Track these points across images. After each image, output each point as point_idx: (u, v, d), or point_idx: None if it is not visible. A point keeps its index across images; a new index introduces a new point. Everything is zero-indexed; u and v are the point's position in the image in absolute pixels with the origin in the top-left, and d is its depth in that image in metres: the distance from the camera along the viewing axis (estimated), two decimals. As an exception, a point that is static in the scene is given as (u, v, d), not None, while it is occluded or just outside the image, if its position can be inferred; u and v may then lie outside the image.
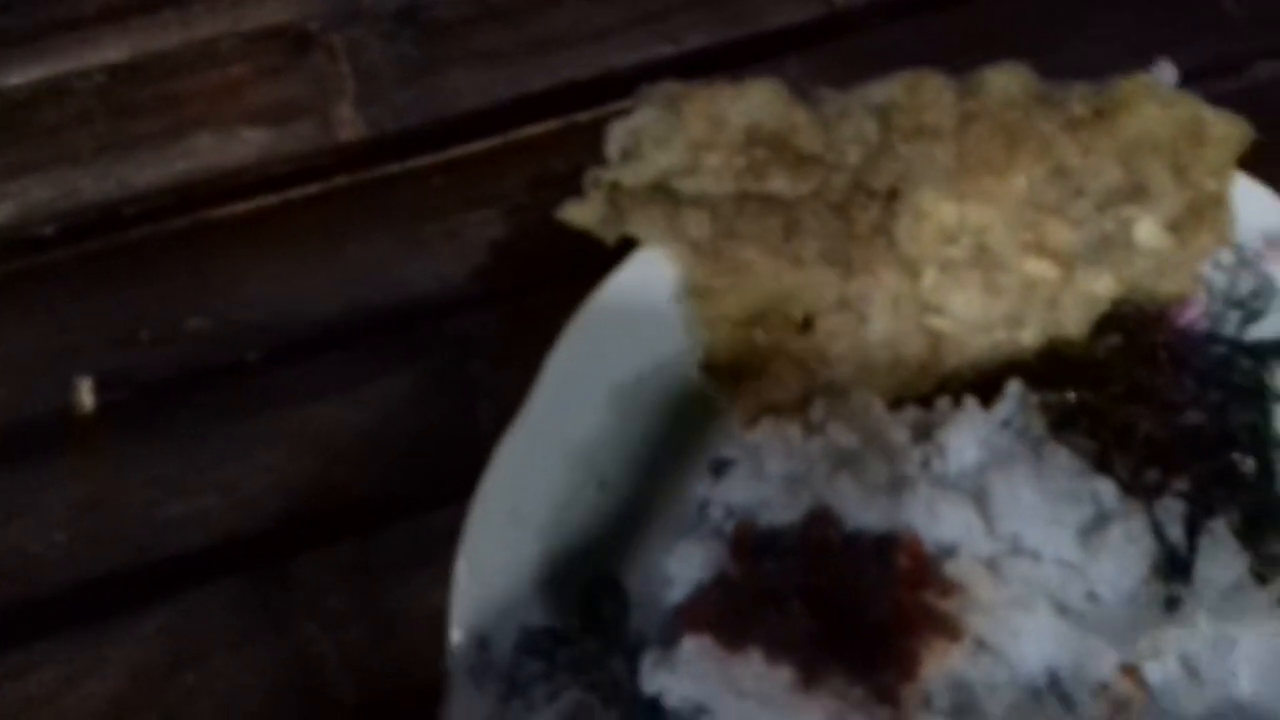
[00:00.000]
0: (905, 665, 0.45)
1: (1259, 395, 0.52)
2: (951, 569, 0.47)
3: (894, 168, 0.48)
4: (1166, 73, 0.53)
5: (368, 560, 0.52)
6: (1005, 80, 0.49)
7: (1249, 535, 0.51)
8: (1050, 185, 0.49)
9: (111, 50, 0.59)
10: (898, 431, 0.50)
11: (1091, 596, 0.48)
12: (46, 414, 0.53)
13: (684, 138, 0.48)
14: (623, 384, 0.49)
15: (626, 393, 0.49)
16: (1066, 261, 0.50)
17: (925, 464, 0.49)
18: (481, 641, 0.45)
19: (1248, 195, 0.52)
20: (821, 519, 0.46)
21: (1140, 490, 0.49)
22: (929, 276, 0.50)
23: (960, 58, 0.51)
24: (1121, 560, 0.47)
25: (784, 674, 0.45)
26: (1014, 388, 0.50)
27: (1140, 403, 0.50)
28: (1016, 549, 0.47)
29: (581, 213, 0.50)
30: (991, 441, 0.49)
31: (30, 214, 0.56)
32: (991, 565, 0.47)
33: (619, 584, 0.48)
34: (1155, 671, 0.50)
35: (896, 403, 0.52)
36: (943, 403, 0.51)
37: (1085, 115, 0.49)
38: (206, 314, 0.55)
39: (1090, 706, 0.49)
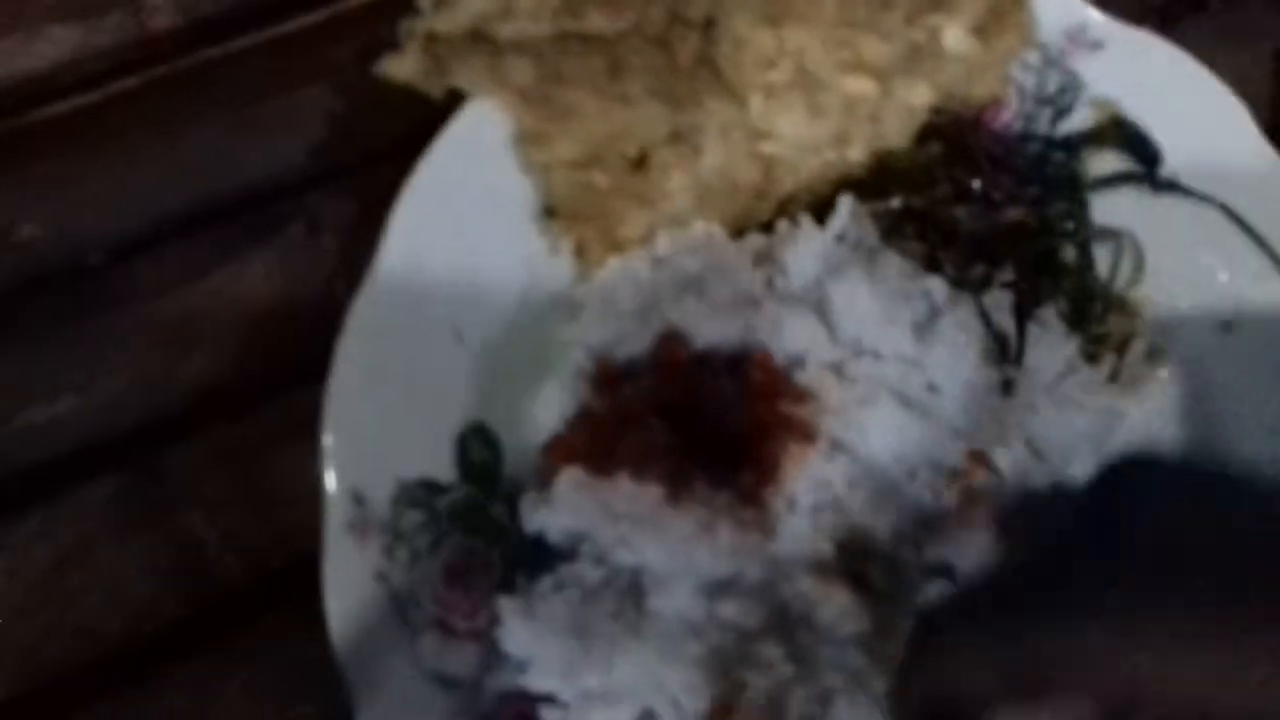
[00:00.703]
0: (766, 470, 0.47)
1: (1073, 186, 0.55)
2: (801, 377, 0.49)
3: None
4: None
5: (239, 444, 0.52)
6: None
7: (1076, 319, 0.55)
8: (859, 2, 0.50)
9: (-99, -42, 0.55)
10: (740, 255, 0.51)
11: (931, 387, 0.50)
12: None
13: None
14: (467, 234, 0.49)
15: (471, 243, 0.49)
16: (883, 75, 0.51)
17: (768, 283, 0.51)
18: (357, 496, 0.45)
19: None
20: (671, 340, 0.48)
21: (968, 284, 0.51)
22: (755, 103, 0.50)
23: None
24: (954, 349, 0.49)
25: (653, 491, 0.46)
26: (845, 202, 0.52)
27: (963, 203, 0.52)
28: (858, 351, 0.49)
29: (401, 66, 0.49)
30: (828, 255, 0.51)
31: None
32: (837, 369, 0.49)
33: (489, 432, 0.49)
34: (1003, 456, 0.53)
35: (738, 232, 0.53)
36: (782, 226, 0.53)
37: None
38: (39, 220, 0.54)
39: (945, 494, 0.52)
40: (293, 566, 0.50)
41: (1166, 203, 0.55)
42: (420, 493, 0.47)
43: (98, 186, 0.54)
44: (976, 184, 0.52)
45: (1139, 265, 0.55)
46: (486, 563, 0.48)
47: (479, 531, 0.48)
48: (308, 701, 0.50)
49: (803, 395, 0.49)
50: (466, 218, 0.49)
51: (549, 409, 0.50)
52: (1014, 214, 0.53)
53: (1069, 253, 0.55)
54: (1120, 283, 0.56)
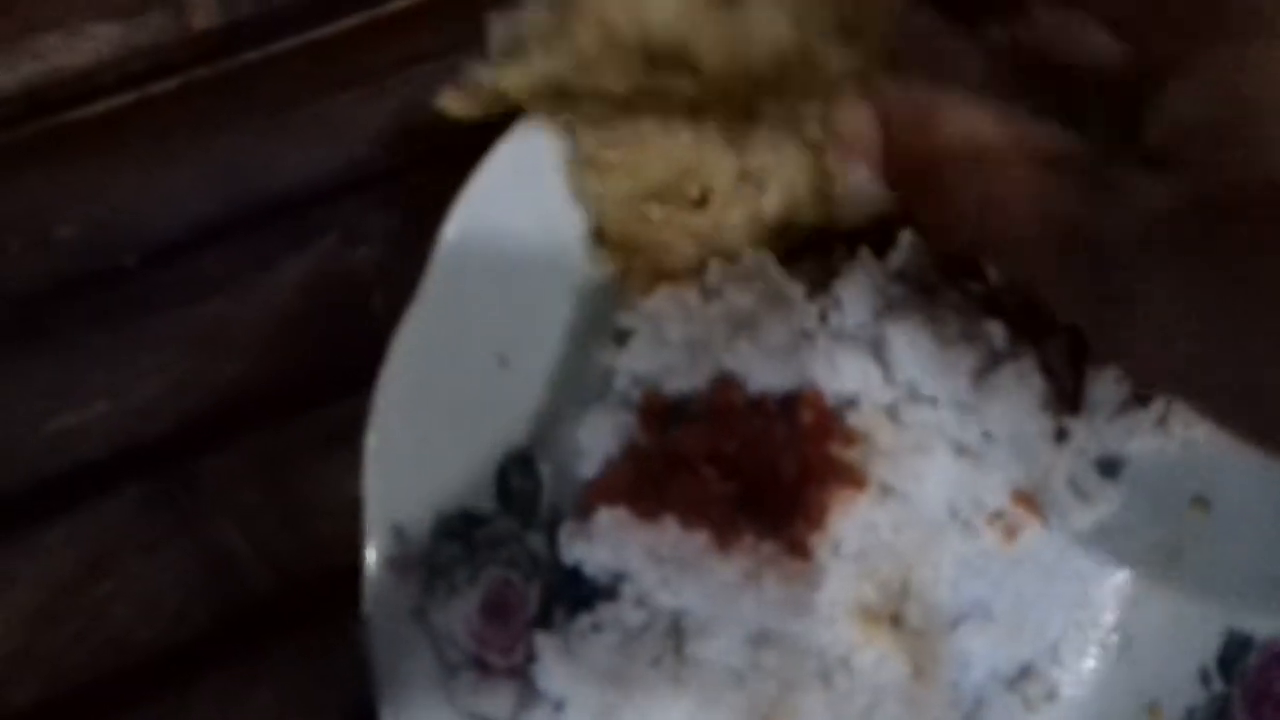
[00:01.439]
0: (814, 517, 0.45)
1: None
2: (853, 419, 0.47)
3: (813, 76, 0.45)
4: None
5: (273, 453, 0.50)
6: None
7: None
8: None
9: (-57, -44, 0.53)
10: (794, 288, 0.49)
11: (987, 435, 0.48)
12: (-82, 336, 0.50)
13: (572, 45, 0.45)
14: (515, 257, 0.47)
15: (520, 266, 0.47)
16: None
17: (823, 318, 0.49)
18: (398, 532, 0.44)
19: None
20: (726, 385, 0.46)
21: (1029, 328, 0.48)
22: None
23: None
24: (1013, 399, 0.47)
25: (699, 537, 0.45)
26: (906, 237, 0.49)
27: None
28: (914, 395, 0.47)
29: (461, 106, 0.46)
30: (886, 291, 0.48)
31: (-124, 134, 0.52)
32: (891, 413, 0.47)
33: (530, 460, 0.47)
34: (1048, 496, 0.52)
35: (790, 255, 0.51)
36: (838, 253, 0.50)
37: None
38: (75, 221, 0.51)
39: (987, 533, 0.50)
40: (323, 579, 0.49)
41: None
42: (460, 524, 0.45)
43: (134, 188, 0.52)
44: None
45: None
46: (524, 596, 0.46)
47: (516, 563, 0.46)
48: (336, 714, 0.48)
49: (854, 437, 0.47)
50: (515, 239, 0.46)
51: (592, 436, 0.48)
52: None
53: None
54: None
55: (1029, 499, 0.51)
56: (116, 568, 0.49)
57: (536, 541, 0.47)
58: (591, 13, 0.44)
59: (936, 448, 0.47)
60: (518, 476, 0.47)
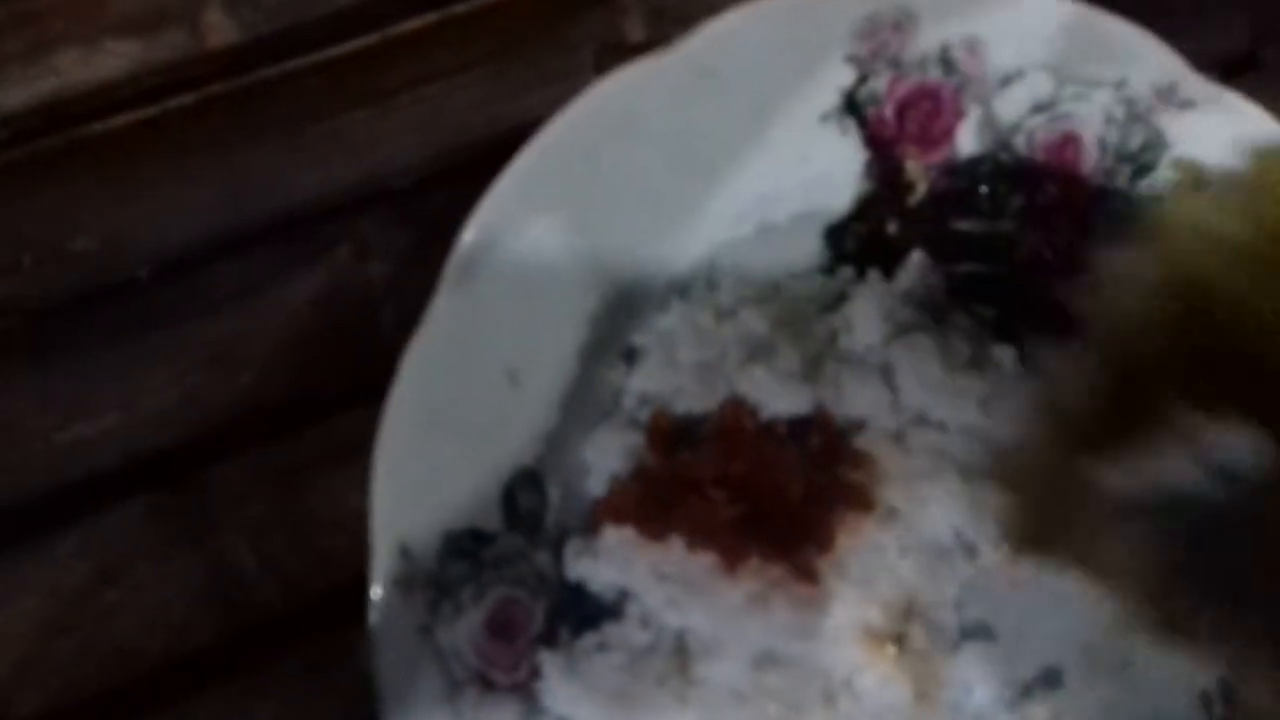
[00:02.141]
0: (821, 539, 0.44)
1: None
2: (861, 442, 0.46)
3: None
4: None
5: (282, 466, 0.49)
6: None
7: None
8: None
9: (-39, -28, 0.52)
10: (807, 308, 0.48)
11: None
12: (-65, 347, 0.49)
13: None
14: (527, 276, 0.45)
15: (531, 284, 0.45)
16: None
17: (832, 339, 0.48)
18: (405, 550, 0.42)
19: (1140, 47, 0.49)
20: (737, 408, 0.45)
21: (1038, 354, 0.47)
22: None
23: None
24: (1021, 424, 0.46)
25: (706, 559, 0.43)
26: (916, 257, 0.48)
27: (1042, 270, 0.48)
28: (922, 420, 0.46)
29: None
30: (895, 314, 0.47)
31: (-103, 147, 0.50)
32: (899, 437, 0.46)
33: (538, 479, 0.46)
34: (1051, 519, 0.50)
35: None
36: (845, 271, 0.49)
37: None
38: (90, 234, 0.50)
39: (990, 555, 0.49)
40: (330, 594, 0.47)
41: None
42: (467, 543, 0.44)
43: (149, 203, 0.50)
44: (1058, 243, 0.49)
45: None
46: (529, 614, 0.45)
47: (522, 582, 0.45)
48: (342, 728, 0.47)
49: (861, 460, 0.45)
50: (527, 257, 0.45)
51: (600, 455, 0.47)
52: (1089, 279, 0.49)
53: (1136, 319, 0.51)
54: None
55: (1034, 519, 0.50)
56: (124, 578, 0.47)
57: (543, 560, 0.45)
58: None
59: (943, 472, 0.46)
60: (525, 495, 0.45)
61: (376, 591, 0.41)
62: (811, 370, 0.45)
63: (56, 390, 0.48)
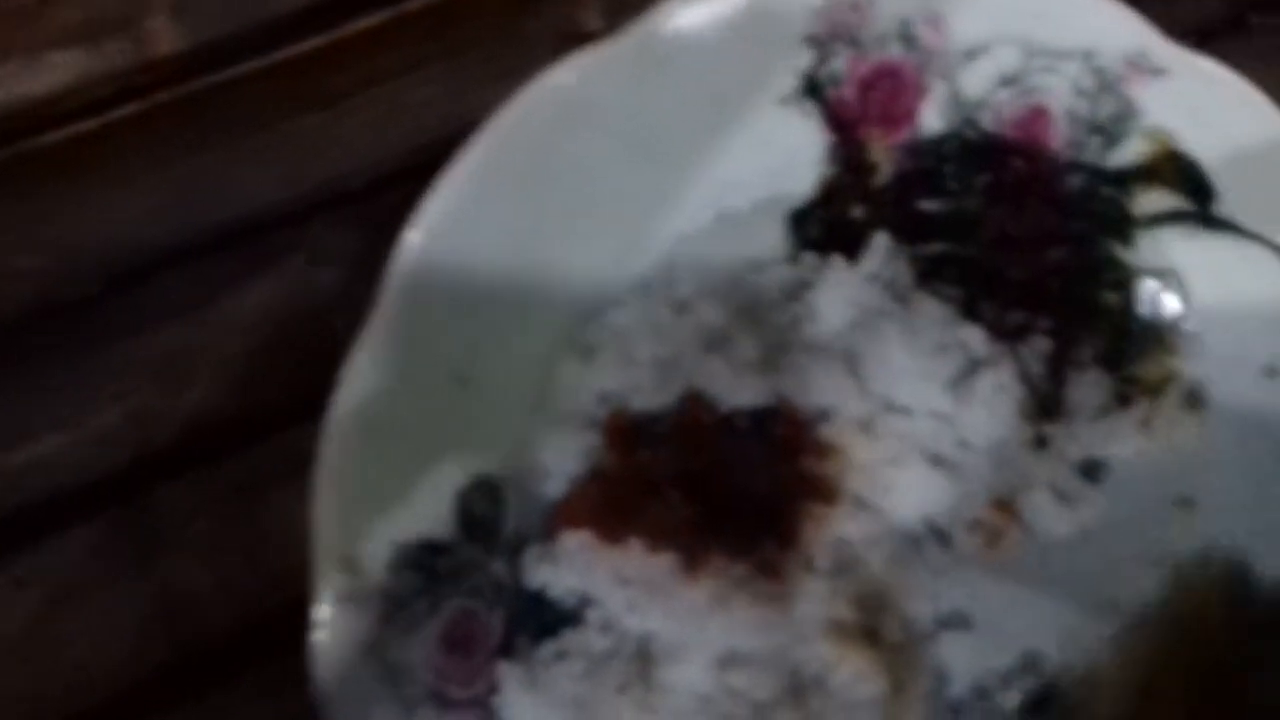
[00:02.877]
0: (786, 534, 0.41)
1: (1121, 223, 0.48)
2: (827, 432, 0.43)
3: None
4: None
5: (232, 483, 0.46)
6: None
7: (1112, 360, 0.48)
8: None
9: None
10: (768, 296, 0.45)
11: (963, 445, 0.43)
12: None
13: None
14: (475, 274, 0.42)
15: (479, 283, 0.42)
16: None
17: (796, 328, 0.45)
18: (351, 565, 0.39)
19: (1109, 15, 0.46)
20: (695, 403, 0.41)
21: (1006, 333, 0.44)
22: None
23: None
24: (990, 407, 0.43)
25: (666, 560, 0.40)
26: (880, 240, 0.45)
27: (1008, 248, 0.45)
28: (889, 407, 0.43)
29: None
30: (860, 298, 0.44)
31: None
32: (865, 425, 0.43)
33: (493, 484, 0.43)
34: (1027, 503, 0.47)
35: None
36: (808, 258, 0.46)
37: None
38: (37, 251, 0.48)
39: (965, 542, 0.46)
40: (285, 614, 0.44)
41: (1215, 239, 0.47)
42: (419, 555, 0.41)
43: (96, 215, 0.48)
44: (1024, 220, 0.45)
45: (1182, 304, 0.48)
46: (486, 625, 0.42)
47: (479, 592, 0.42)
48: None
49: (827, 451, 0.42)
50: (474, 255, 0.42)
51: (557, 457, 0.44)
52: (1057, 255, 0.46)
53: (1109, 296, 0.48)
54: (1160, 322, 0.48)
55: (1008, 506, 0.47)
56: (75, 605, 0.44)
57: (499, 569, 0.42)
58: None
59: (911, 459, 0.42)
60: (480, 502, 0.42)
61: (321, 609, 0.38)
62: (771, 360, 0.42)
63: (3, 413, 0.46)
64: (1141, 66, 0.45)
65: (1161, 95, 0.46)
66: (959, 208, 0.45)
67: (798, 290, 0.45)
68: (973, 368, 0.43)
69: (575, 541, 0.41)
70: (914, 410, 0.43)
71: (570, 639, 0.41)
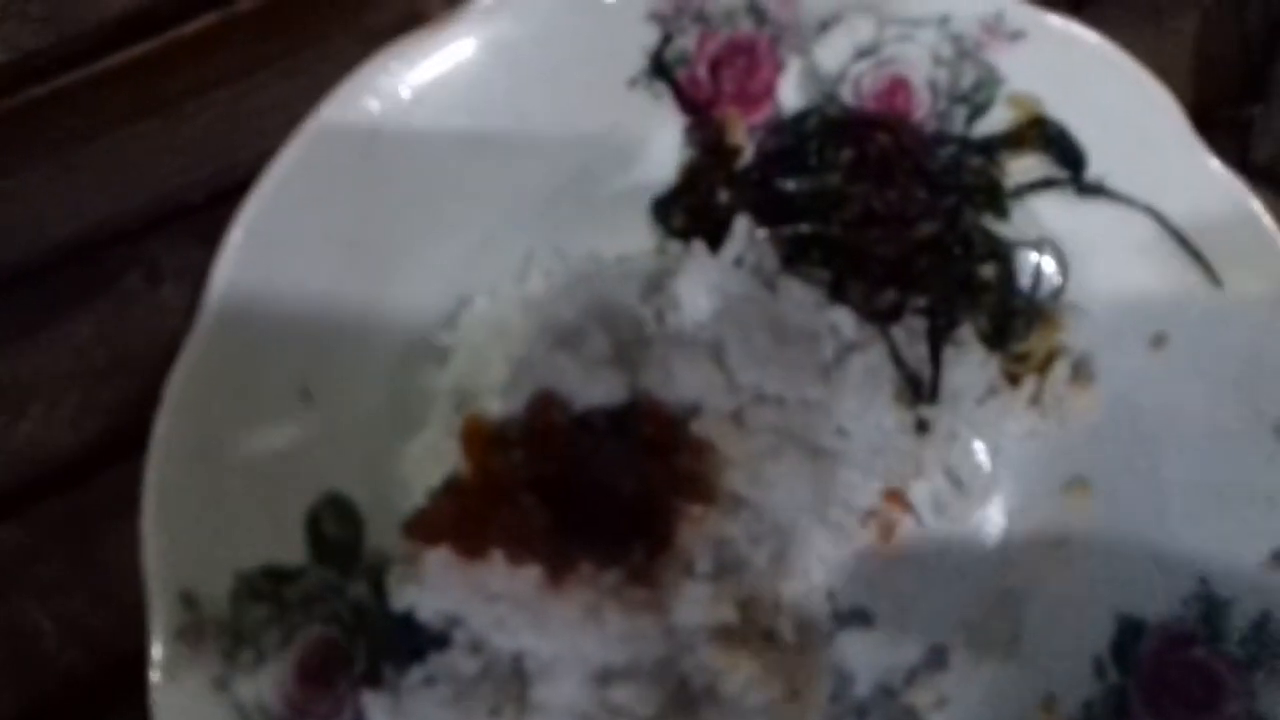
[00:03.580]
0: (659, 538, 0.39)
1: (992, 194, 0.46)
2: (697, 428, 0.40)
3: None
4: None
5: (75, 518, 0.43)
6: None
7: (996, 338, 0.46)
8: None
9: None
10: (626, 292, 0.43)
11: (841, 432, 0.41)
12: None
13: None
14: (308, 278, 0.40)
15: (313, 288, 0.40)
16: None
17: (660, 319, 0.42)
18: (188, 599, 0.36)
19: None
20: (546, 404, 0.39)
21: (878, 314, 0.42)
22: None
23: None
24: (864, 393, 0.41)
25: (530, 573, 0.38)
26: (740, 223, 0.43)
27: (872, 224, 0.43)
28: (760, 397, 0.41)
29: None
30: (725, 287, 0.42)
31: None
32: (736, 418, 0.41)
33: (346, 503, 0.40)
34: (920, 491, 0.45)
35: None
36: (672, 246, 0.44)
37: None
38: None
39: (859, 535, 0.44)
40: (141, 654, 0.41)
41: (1092, 207, 0.45)
42: (265, 583, 0.38)
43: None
44: (889, 196, 0.43)
45: (1063, 276, 0.46)
46: (347, 653, 0.39)
47: (337, 619, 0.39)
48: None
49: (699, 448, 0.40)
50: (306, 258, 0.39)
51: (416, 469, 0.41)
52: (928, 229, 0.44)
53: (987, 269, 0.46)
54: (1042, 295, 0.46)
55: (899, 495, 0.45)
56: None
57: (360, 591, 0.40)
58: None
59: (787, 451, 0.40)
60: (332, 522, 0.39)
61: (157, 648, 0.35)
62: (627, 356, 0.40)
63: None
64: (999, 31, 0.44)
65: (1023, 60, 0.44)
66: (822, 186, 0.43)
67: (661, 281, 0.43)
68: (844, 352, 0.41)
69: (438, 559, 0.38)
70: (786, 399, 0.40)
71: (438, 663, 0.39)
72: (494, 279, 0.42)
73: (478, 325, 0.41)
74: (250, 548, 0.38)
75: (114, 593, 0.42)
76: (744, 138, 0.44)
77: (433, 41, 0.40)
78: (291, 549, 0.39)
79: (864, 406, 0.41)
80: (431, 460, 0.41)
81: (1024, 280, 0.46)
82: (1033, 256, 0.46)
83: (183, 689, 0.36)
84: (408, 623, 0.40)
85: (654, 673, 0.39)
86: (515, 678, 0.39)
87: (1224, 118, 0.51)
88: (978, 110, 0.45)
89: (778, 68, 0.44)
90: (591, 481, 0.38)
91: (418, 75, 0.40)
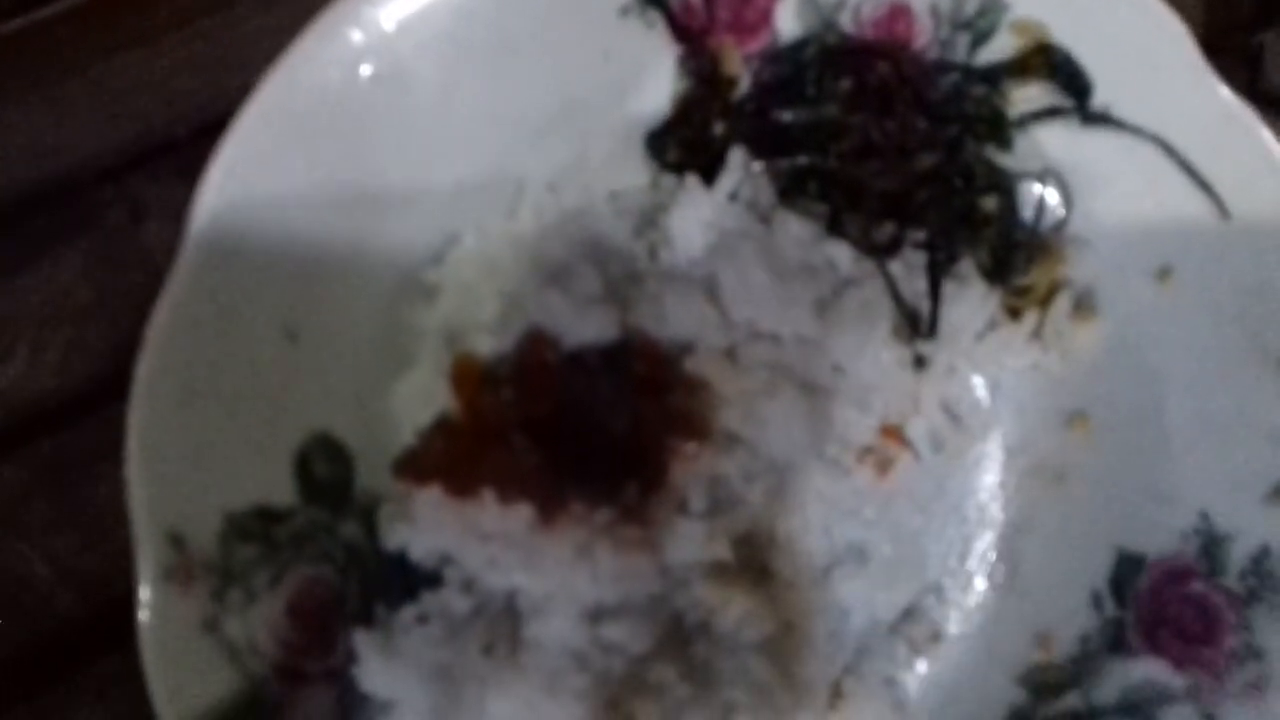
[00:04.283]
0: (651, 476, 0.38)
1: (996, 124, 0.44)
2: (691, 365, 0.40)
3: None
4: None
5: (63, 462, 0.42)
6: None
7: (997, 271, 0.45)
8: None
9: None
10: (618, 227, 0.41)
11: (836, 369, 0.41)
12: None
13: None
14: (291, 217, 0.38)
15: (297, 226, 0.39)
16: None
17: (653, 255, 0.41)
18: (175, 538, 0.36)
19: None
20: (536, 342, 0.38)
21: (876, 249, 0.41)
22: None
23: None
24: (860, 328, 0.40)
25: (522, 512, 0.37)
26: (736, 157, 0.41)
27: (871, 156, 0.42)
28: (754, 334, 0.40)
29: None
30: (719, 221, 0.41)
31: None
32: (730, 355, 0.40)
33: (335, 442, 0.39)
34: (918, 427, 0.45)
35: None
36: (666, 181, 0.43)
37: None
38: None
39: (856, 471, 0.44)
40: (133, 597, 0.41)
41: (1097, 136, 0.44)
42: (254, 523, 0.37)
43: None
44: (889, 127, 0.42)
45: (1066, 207, 0.45)
46: (339, 593, 0.39)
47: (328, 558, 0.39)
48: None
49: (693, 386, 0.39)
50: (288, 197, 0.38)
51: (408, 406, 0.41)
52: (928, 161, 0.43)
53: (988, 201, 0.45)
54: (1045, 228, 0.45)
55: (896, 431, 0.44)
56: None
57: (351, 531, 0.39)
58: None
59: (782, 388, 0.39)
60: (322, 462, 0.39)
61: (145, 589, 0.35)
62: (618, 292, 0.39)
63: None
64: (1004, -46, 0.42)
65: (1030, -18, 0.43)
66: (820, 117, 0.42)
67: (654, 216, 0.42)
68: (840, 287, 0.40)
69: (429, 498, 0.38)
70: (781, 336, 0.40)
71: (430, 601, 0.38)
72: (483, 215, 0.41)
73: (467, 262, 0.40)
74: (239, 488, 0.37)
75: (105, 534, 0.42)
76: (740, 67, 0.43)
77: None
78: (281, 489, 0.38)
79: (861, 342, 0.40)
80: (421, 399, 0.40)
81: (1026, 212, 0.45)
82: (1035, 188, 0.45)
83: (172, 630, 0.35)
84: (399, 561, 0.39)
85: (647, 610, 0.39)
86: (508, 616, 0.38)
87: (1233, 44, 0.50)
88: (981, 37, 0.44)
89: (774, -6, 0.43)
90: (583, 420, 0.38)
91: (401, 6, 0.38)
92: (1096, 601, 0.44)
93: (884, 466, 0.45)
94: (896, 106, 0.43)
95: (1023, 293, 0.45)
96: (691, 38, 0.43)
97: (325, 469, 0.39)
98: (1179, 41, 0.43)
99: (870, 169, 0.41)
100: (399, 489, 0.39)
